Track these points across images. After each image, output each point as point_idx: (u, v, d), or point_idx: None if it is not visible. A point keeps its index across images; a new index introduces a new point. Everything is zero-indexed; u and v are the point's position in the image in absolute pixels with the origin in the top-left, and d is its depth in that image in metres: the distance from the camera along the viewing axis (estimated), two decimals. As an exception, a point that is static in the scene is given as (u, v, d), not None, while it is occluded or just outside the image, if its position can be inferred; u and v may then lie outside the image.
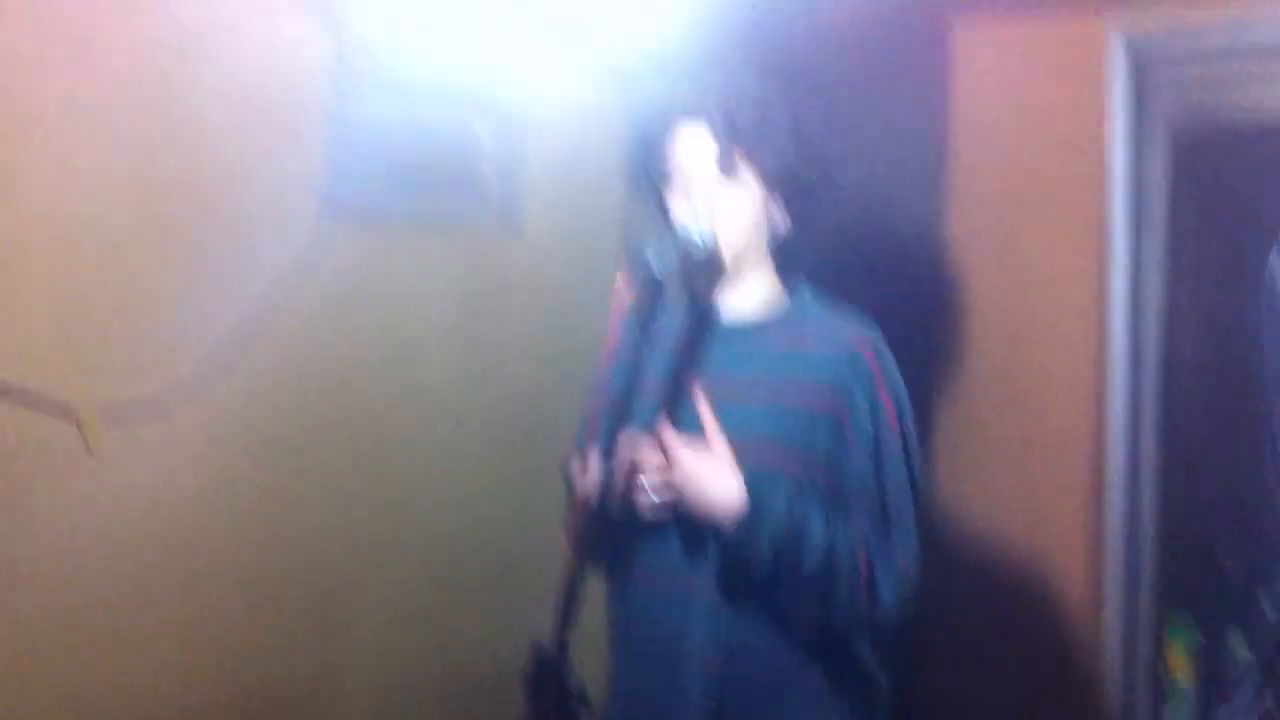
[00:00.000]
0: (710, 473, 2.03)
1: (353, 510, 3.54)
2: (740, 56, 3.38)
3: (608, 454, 2.01)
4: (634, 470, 2.03)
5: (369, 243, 3.60)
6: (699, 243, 2.10)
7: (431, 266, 3.73)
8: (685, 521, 2.08)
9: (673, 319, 2.25)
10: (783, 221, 2.23)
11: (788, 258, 2.27)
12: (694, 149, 2.17)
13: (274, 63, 3.36)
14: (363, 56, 3.57)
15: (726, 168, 2.14)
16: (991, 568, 3.21)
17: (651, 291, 2.05)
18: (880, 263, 3.36)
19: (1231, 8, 2.82)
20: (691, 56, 3.50)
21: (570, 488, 2.23)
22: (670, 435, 2.03)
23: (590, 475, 2.06)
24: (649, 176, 2.26)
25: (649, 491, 2.04)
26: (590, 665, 2.14)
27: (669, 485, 2.03)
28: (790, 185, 2.20)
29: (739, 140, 2.14)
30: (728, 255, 2.15)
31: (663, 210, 2.26)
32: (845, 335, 2.17)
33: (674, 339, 2.23)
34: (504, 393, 3.80)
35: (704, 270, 2.17)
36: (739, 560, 2.02)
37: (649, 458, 2.03)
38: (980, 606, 3.21)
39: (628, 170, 2.35)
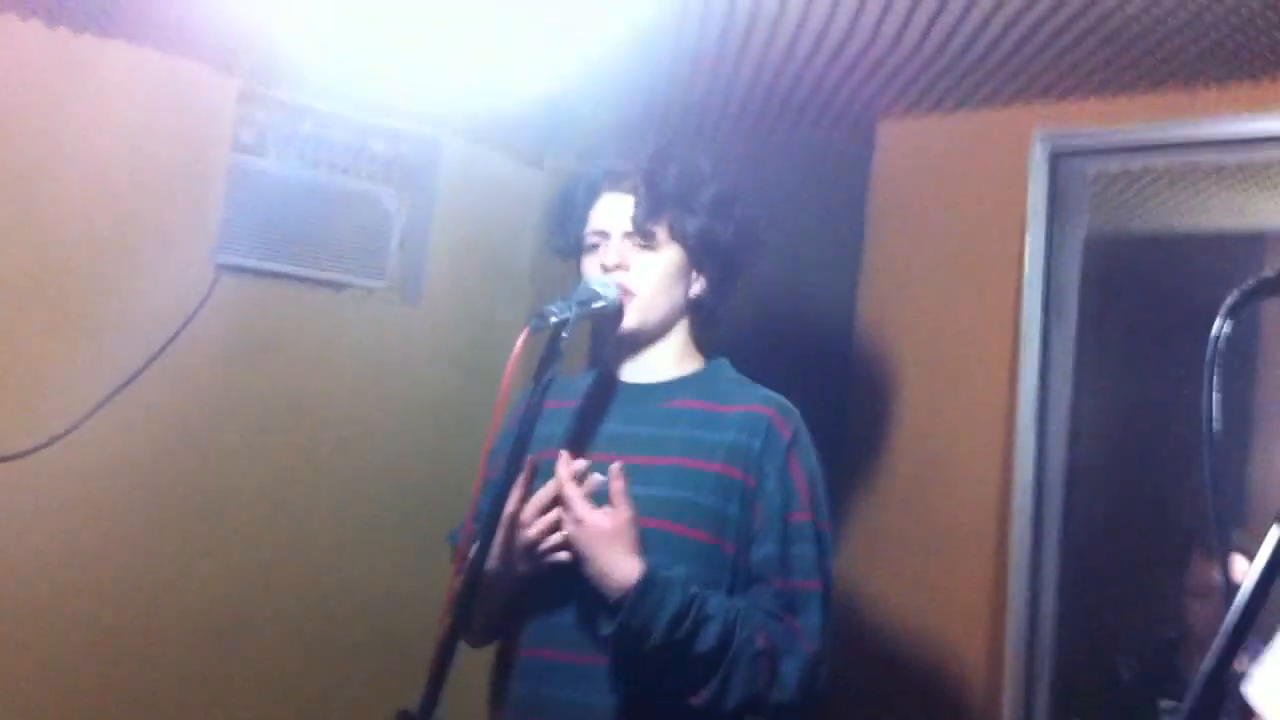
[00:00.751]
0: (609, 541, 1.93)
1: (229, 567, 3.41)
2: (667, 127, 3.40)
3: (494, 512, 1.91)
4: (540, 519, 1.96)
5: (263, 298, 3.51)
6: (602, 295, 2.04)
7: (326, 327, 3.63)
8: (590, 590, 1.98)
9: (577, 379, 2.20)
10: (700, 289, 2.18)
11: (705, 327, 2.22)
12: (613, 211, 2.13)
13: (171, 107, 3.27)
14: (267, 108, 3.49)
15: (643, 229, 2.10)
16: (896, 656, 3.14)
17: (549, 346, 1.96)
18: (795, 346, 3.32)
19: (1151, 111, 2.84)
20: (617, 127, 3.50)
21: (454, 554, 2.13)
22: (576, 492, 1.95)
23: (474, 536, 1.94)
24: (566, 238, 2.21)
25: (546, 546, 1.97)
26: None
27: (571, 541, 1.95)
28: (709, 252, 2.15)
29: (660, 203, 2.10)
30: (633, 314, 2.09)
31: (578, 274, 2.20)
32: (759, 402, 2.11)
33: (578, 397, 2.17)
34: (396, 455, 3.69)
35: (606, 326, 2.11)
36: (630, 635, 1.90)
37: (549, 518, 1.96)
38: (884, 693, 3.14)
39: (546, 234, 2.29)
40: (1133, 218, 3.21)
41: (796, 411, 2.12)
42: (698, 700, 1.93)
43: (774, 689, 1.94)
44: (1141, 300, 3.07)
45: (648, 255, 2.11)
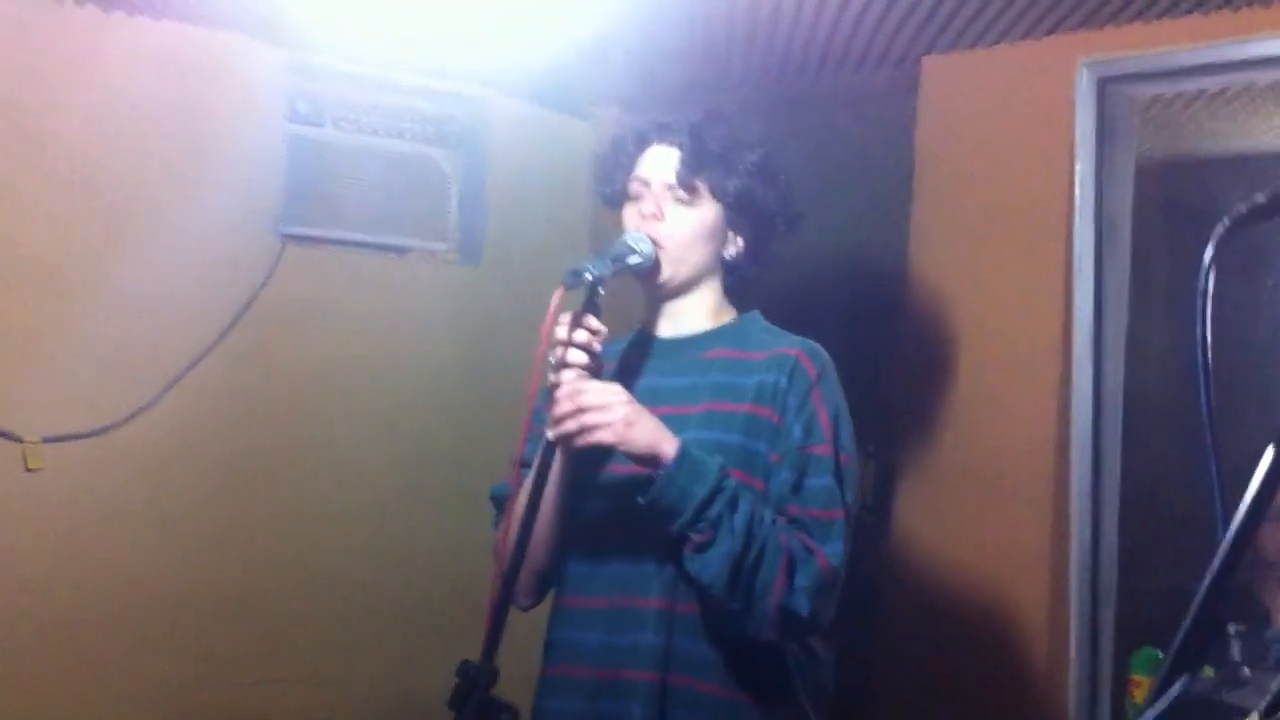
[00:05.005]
0: (648, 419, 1.95)
1: (295, 532, 3.51)
2: (707, 73, 3.40)
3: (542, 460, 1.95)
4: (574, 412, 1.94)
5: (327, 266, 3.58)
6: (636, 249, 2.07)
7: (391, 291, 3.71)
8: (634, 533, 2.03)
9: (617, 341, 2.21)
10: (737, 247, 2.19)
11: (740, 283, 2.24)
12: (658, 162, 2.15)
13: (226, 83, 3.35)
14: (320, 78, 3.56)
15: (685, 184, 2.12)
16: (953, 601, 3.14)
17: (586, 301, 2.00)
18: (847, 289, 3.33)
19: (1196, 33, 2.80)
20: (660, 75, 3.52)
21: (499, 508, 2.20)
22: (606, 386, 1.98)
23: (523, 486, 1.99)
24: (612, 186, 2.23)
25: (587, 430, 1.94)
26: (521, 689, 2.08)
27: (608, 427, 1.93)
28: (746, 214, 2.17)
29: (703, 159, 2.12)
30: (666, 267, 2.12)
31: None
32: (783, 343, 2.14)
33: (616, 357, 2.20)
34: (463, 413, 3.76)
35: (640, 279, 2.13)
36: (663, 508, 1.94)
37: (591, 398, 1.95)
38: (941, 639, 3.15)
39: (596, 181, 2.30)
40: (1184, 142, 3.17)
41: (825, 352, 2.13)
42: (712, 580, 1.93)
43: (787, 593, 1.95)
44: (1196, 226, 3.03)
45: (685, 209, 2.13)
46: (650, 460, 1.93)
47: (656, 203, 2.13)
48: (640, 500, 1.95)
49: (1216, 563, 1.06)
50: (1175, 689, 1.04)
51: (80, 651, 3.14)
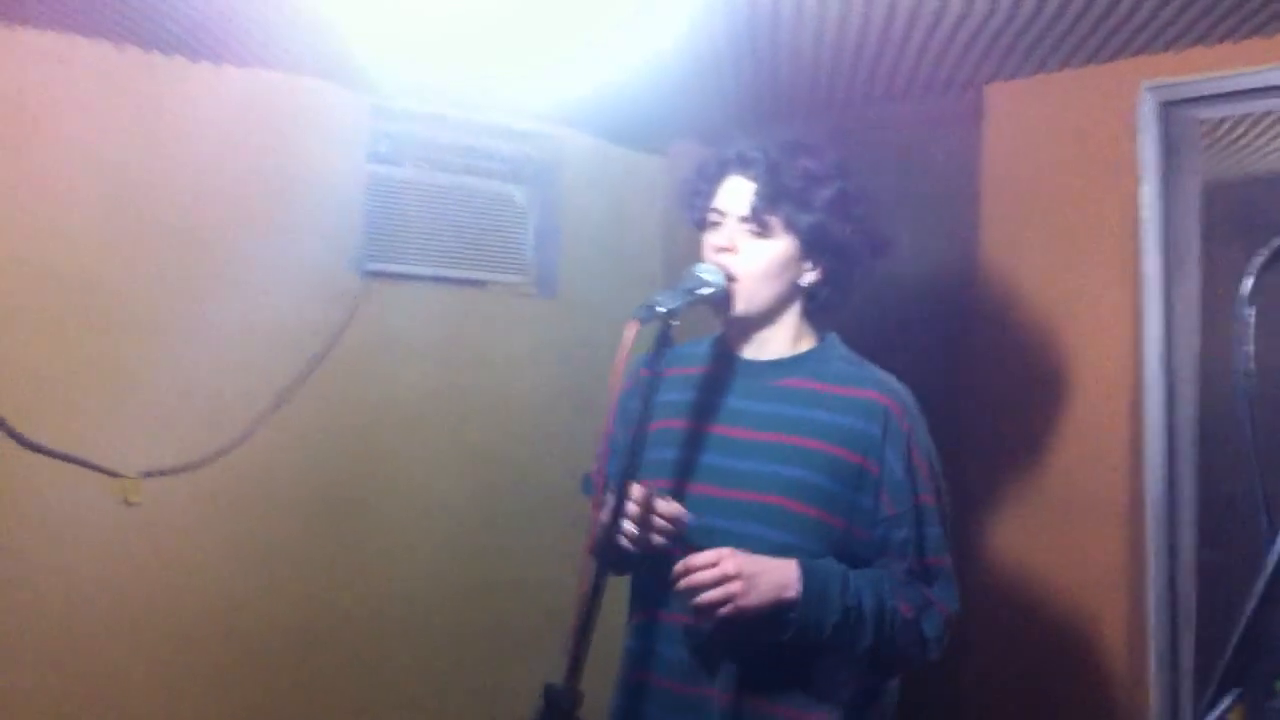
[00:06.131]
0: (767, 563, 2.00)
1: (382, 562, 3.59)
2: (779, 104, 3.45)
3: (619, 496, 2.01)
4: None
5: (408, 301, 3.68)
6: (708, 283, 2.11)
7: (469, 323, 3.80)
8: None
9: (695, 346, 2.27)
10: (815, 276, 2.22)
11: (817, 310, 2.26)
12: (734, 193, 2.19)
13: (309, 127, 3.46)
14: (399, 120, 3.67)
15: (758, 217, 2.15)
16: (1031, 623, 3.17)
17: (660, 334, 2.06)
18: (917, 313, 3.36)
19: (1258, 57, 2.81)
20: (733, 108, 3.57)
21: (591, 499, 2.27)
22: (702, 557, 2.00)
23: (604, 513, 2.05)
24: (693, 213, 2.27)
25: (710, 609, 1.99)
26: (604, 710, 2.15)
27: (732, 598, 1.97)
28: (821, 247, 2.19)
29: (778, 194, 2.15)
30: (740, 300, 2.16)
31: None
32: (873, 387, 2.16)
33: (697, 365, 2.25)
34: (541, 443, 3.84)
35: (715, 310, 2.17)
36: (802, 639, 2.02)
37: (705, 576, 1.99)
38: (1021, 661, 3.17)
39: (677, 206, 2.34)
40: (1256, 162, 3.17)
41: (911, 396, 2.17)
42: (860, 668, 2.07)
43: (923, 651, 2.08)
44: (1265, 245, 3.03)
45: (758, 243, 2.15)
46: (781, 605, 1.99)
47: (730, 235, 2.16)
48: (780, 639, 2.01)
49: (1263, 581, 1.10)
50: (1225, 703, 1.08)
51: (176, 681, 3.24)
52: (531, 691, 1.92)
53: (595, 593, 1.96)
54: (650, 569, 2.14)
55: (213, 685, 3.29)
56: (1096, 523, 3.06)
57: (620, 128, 3.94)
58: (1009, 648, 3.19)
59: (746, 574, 1.96)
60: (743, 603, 1.96)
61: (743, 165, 2.19)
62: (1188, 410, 2.99)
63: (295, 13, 2.87)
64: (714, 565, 1.96)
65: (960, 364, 3.31)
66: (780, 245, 2.16)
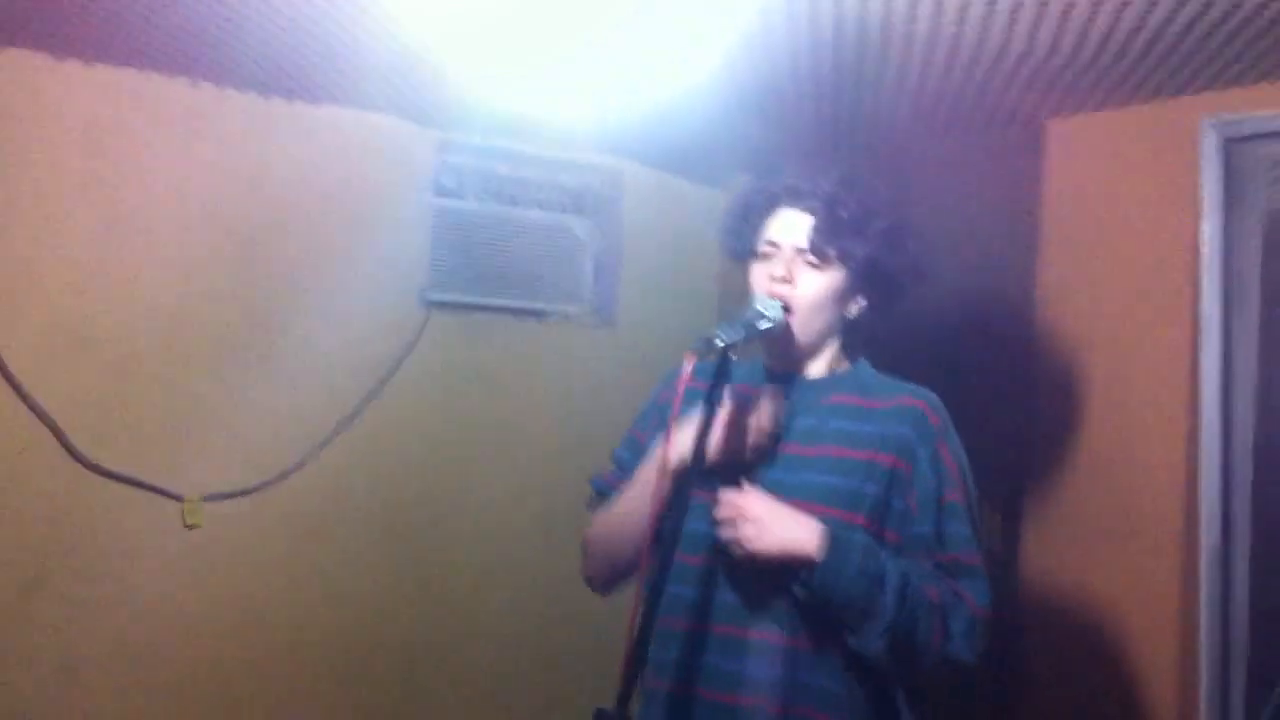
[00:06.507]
0: (787, 515, 2.05)
1: (440, 587, 3.64)
2: (839, 139, 3.48)
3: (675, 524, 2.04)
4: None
5: (471, 331, 3.74)
6: (766, 314, 2.15)
7: (530, 353, 3.84)
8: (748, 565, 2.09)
9: (745, 363, 2.29)
10: (860, 307, 2.27)
11: (855, 340, 2.32)
12: (789, 226, 2.23)
13: (376, 161, 3.53)
14: (462, 153, 3.73)
15: (818, 250, 2.20)
16: (1084, 651, 3.17)
17: (718, 367, 2.09)
18: (978, 346, 3.38)
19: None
20: (791, 143, 3.61)
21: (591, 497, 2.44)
22: (733, 493, 2.07)
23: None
24: (739, 243, 2.32)
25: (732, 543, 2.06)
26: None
27: (747, 537, 2.04)
28: (872, 279, 2.24)
29: (838, 227, 2.19)
30: (796, 330, 2.20)
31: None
32: (906, 394, 2.22)
33: (752, 381, 2.28)
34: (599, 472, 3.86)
35: (770, 343, 2.22)
36: (818, 600, 2.04)
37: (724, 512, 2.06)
38: (1071, 686, 3.17)
39: (721, 236, 2.39)
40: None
41: (942, 403, 2.22)
42: (874, 654, 2.03)
43: (945, 643, 2.05)
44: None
45: (814, 274, 2.20)
46: (795, 560, 2.03)
47: (787, 266, 2.20)
48: (796, 591, 2.04)
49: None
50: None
51: (239, 704, 3.29)
52: (583, 714, 1.95)
53: (647, 622, 1.98)
54: (685, 579, 2.16)
55: (275, 708, 3.34)
56: (1151, 555, 3.06)
57: (679, 161, 3.99)
58: (1062, 674, 3.19)
59: (759, 517, 2.02)
60: (750, 546, 2.02)
61: (796, 198, 2.24)
62: (1244, 443, 2.98)
63: (370, 52, 2.94)
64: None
65: (1020, 395, 3.32)
66: (834, 276, 2.21)
